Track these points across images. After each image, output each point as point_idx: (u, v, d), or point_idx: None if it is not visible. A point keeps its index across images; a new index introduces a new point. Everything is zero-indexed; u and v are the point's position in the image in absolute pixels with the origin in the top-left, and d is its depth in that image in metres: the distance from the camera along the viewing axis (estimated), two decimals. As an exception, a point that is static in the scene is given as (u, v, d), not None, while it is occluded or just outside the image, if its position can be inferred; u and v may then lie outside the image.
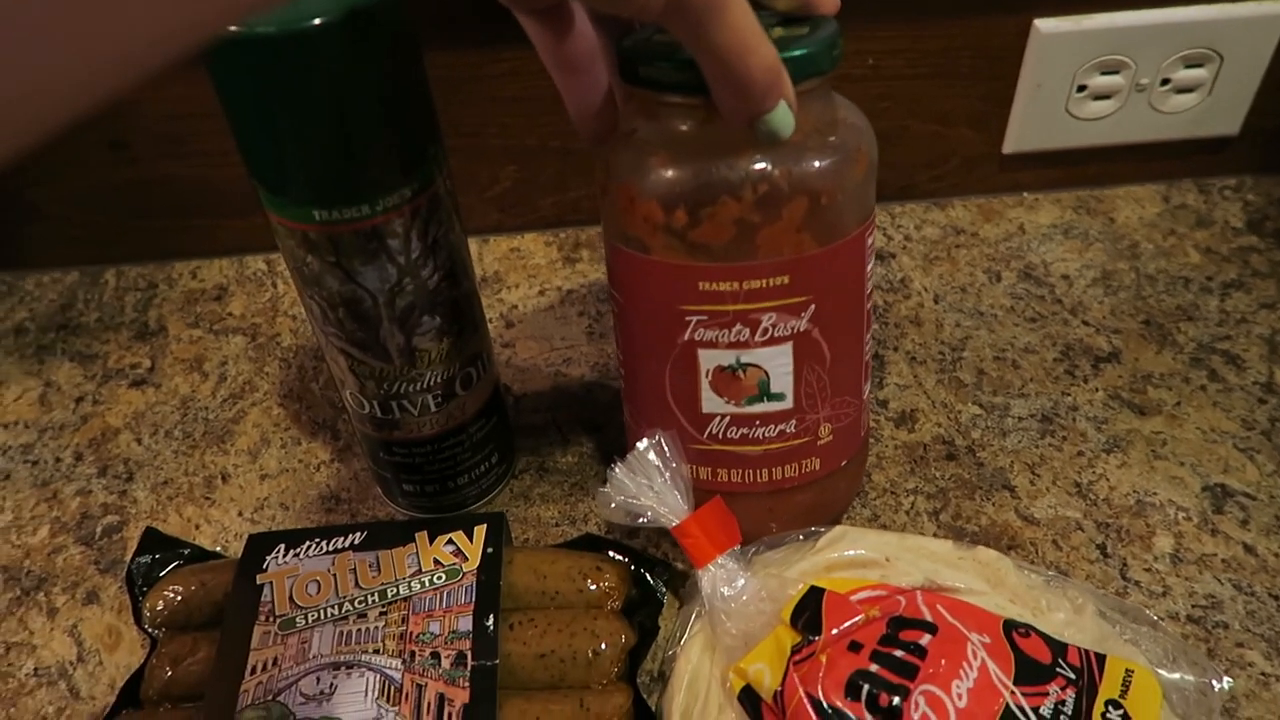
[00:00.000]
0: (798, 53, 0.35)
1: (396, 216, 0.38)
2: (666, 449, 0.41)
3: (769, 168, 0.37)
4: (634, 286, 0.42)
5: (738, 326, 0.41)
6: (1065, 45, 0.59)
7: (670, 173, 0.38)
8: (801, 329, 0.41)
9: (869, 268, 0.42)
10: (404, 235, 0.39)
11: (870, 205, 0.41)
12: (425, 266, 0.40)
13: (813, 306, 0.40)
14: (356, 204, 0.37)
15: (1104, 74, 0.61)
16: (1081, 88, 0.61)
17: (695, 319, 0.41)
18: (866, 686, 0.36)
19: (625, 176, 0.39)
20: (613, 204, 0.40)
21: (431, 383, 0.44)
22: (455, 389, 0.45)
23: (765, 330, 0.41)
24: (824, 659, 0.37)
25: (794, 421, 0.44)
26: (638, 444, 0.41)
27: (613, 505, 0.41)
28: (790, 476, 0.45)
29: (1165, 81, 0.61)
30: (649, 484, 0.41)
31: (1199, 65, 0.61)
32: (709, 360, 0.42)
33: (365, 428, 0.46)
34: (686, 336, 0.41)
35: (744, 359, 0.42)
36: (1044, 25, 0.59)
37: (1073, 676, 0.38)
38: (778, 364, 0.42)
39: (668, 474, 0.41)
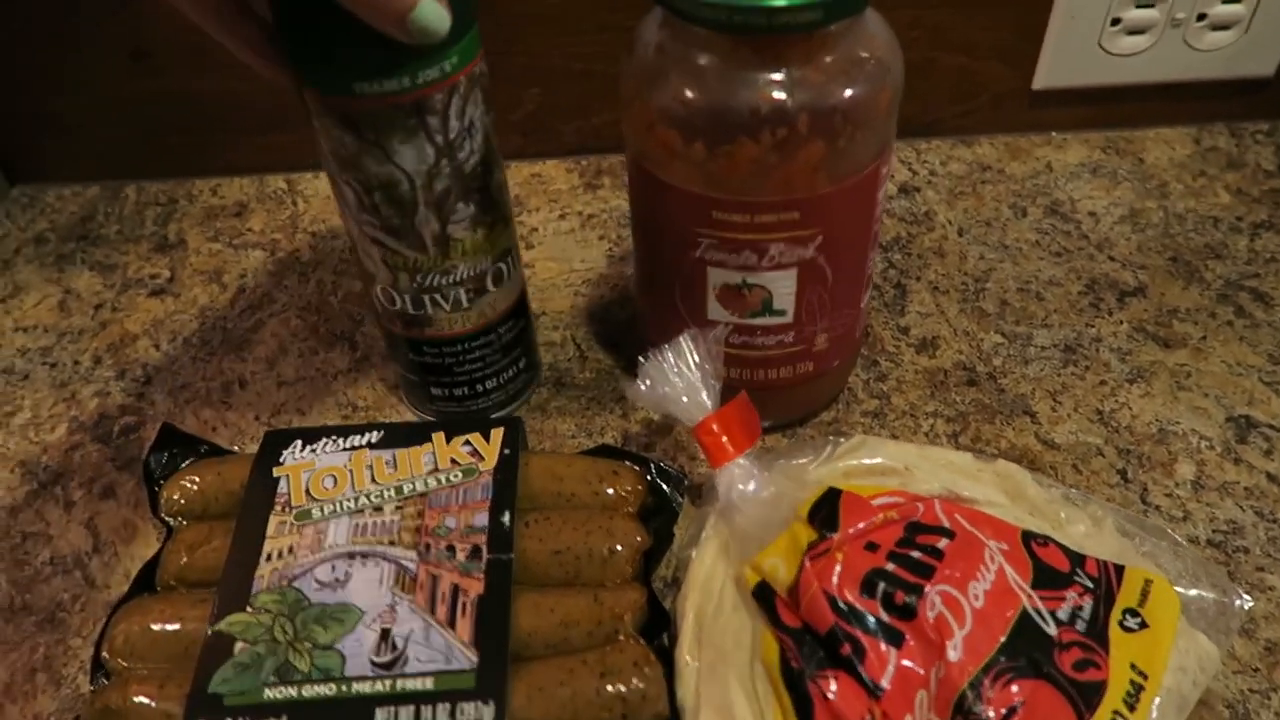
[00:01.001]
0: None
1: (436, 91, 0.38)
2: (701, 347, 0.41)
3: (789, 110, 0.36)
4: (650, 201, 0.42)
5: (746, 252, 0.41)
6: (1102, -25, 0.58)
7: (691, 106, 0.37)
8: (808, 257, 0.41)
9: (881, 196, 0.42)
10: (442, 113, 0.38)
11: (889, 139, 0.40)
12: (462, 149, 0.40)
13: (820, 238, 0.40)
14: (397, 76, 0.37)
15: (1139, 7, 0.60)
16: (1115, 21, 0.60)
17: (706, 241, 0.41)
18: (882, 584, 0.36)
19: (648, 98, 0.39)
20: (634, 121, 0.40)
21: (464, 276, 0.43)
22: (486, 284, 0.44)
23: (772, 257, 0.41)
24: (840, 556, 0.37)
25: (793, 333, 0.44)
26: (679, 337, 0.41)
27: (642, 389, 0.41)
28: (784, 377, 0.46)
29: (1202, 17, 0.60)
30: (678, 376, 0.41)
31: (1237, 1, 0.59)
32: (717, 277, 0.42)
33: (395, 326, 0.46)
34: (697, 255, 0.41)
35: (750, 280, 0.42)
36: (1081, -47, 0.58)
37: (1090, 585, 0.38)
38: (781, 286, 0.42)
39: (698, 371, 0.41)
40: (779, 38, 0.35)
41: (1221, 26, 0.61)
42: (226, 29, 0.38)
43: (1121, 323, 0.54)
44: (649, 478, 0.44)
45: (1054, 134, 0.67)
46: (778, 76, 0.36)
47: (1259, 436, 0.48)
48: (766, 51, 0.36)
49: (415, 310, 0.44)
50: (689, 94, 0.37)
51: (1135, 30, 0.61)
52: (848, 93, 0.37)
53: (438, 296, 0.44)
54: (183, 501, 0.43)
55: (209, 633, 0.38)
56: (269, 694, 0.36)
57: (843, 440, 0.44)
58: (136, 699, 0.37)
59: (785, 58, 0.36)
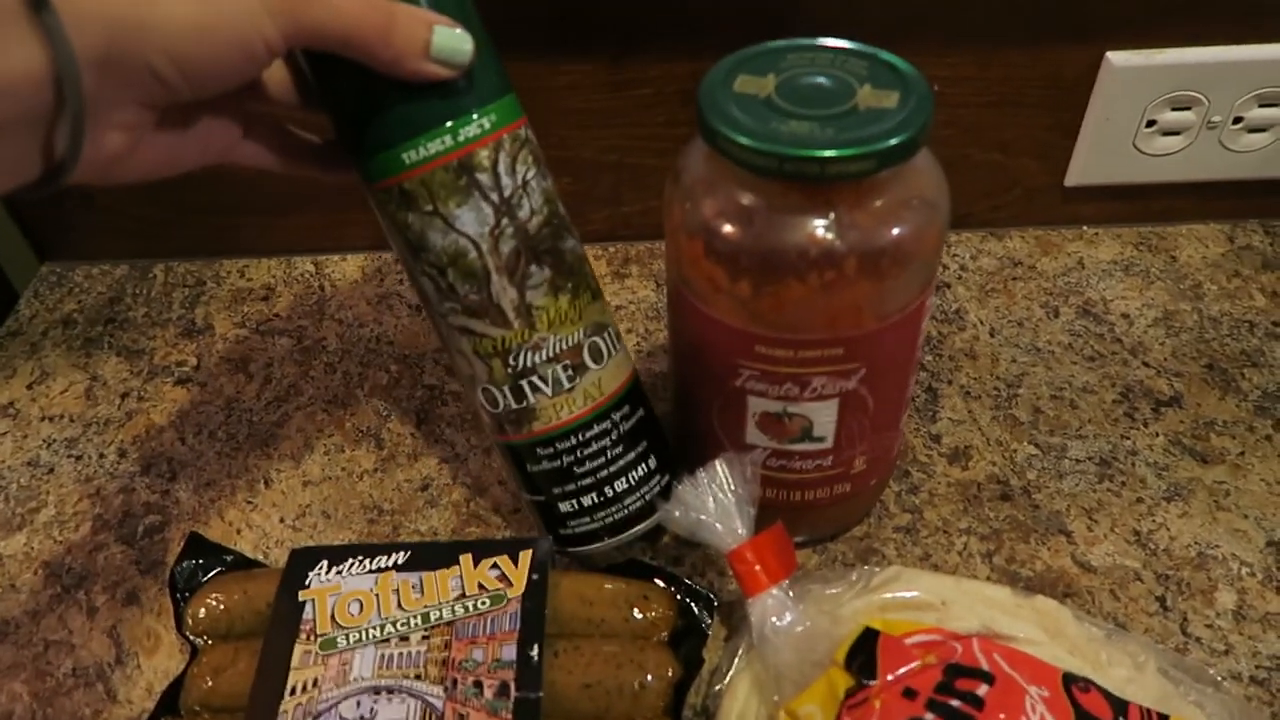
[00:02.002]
0: (889, 144, 0.34)
1: (480, 147, 0.38)
2: (737, 472, 0.41)
3: (837, 253, 0.36)
4: (690, 329, 0.42)
5: (788, 384, 0.40)
6: (1137, 79, 0.58)
7: (738, 245, 0.37)
8: (850, 388, 0.40)
9: (924, 324, 0.41)
10: (491, 169, 0.39)
11: (934, 272, 0.40)
12: (521, 207, 0.40)
13: (864, 370, 0.40)
14: (439, 135, 0.38)
15: (1175, 110, 0.59)
16: (1151, 123, 0.60)
17: (747, 372, 0.40)
18: (922, 738, 0.35)
19: (695, 231, 0.38)
20: (679, 249, 0.40)
21: (557, 350, 0.42)
22: (585, 360, 0.43)
23: (814, 389, 0.40)
24: (878, 705, 0.36)
25: (831, 458, 0.44)
26: (714, 460, 0.41)
27: (675, 515, 0.41)
28: (821, 497, 0.45)
29: (1238, 120, 0.60)
30: (713, 502, 0.40)
31: (1274, 105, 0.59)
32: (757, 405, 0.42)
33: (505, 435, 0.44)
34: (738, 384, 0.41)
35: (790, 409, 0.41)
36: (1116, 58, 0.57)
37: (1134, 737, 0.37)
38: (823, 415, 0.42)
39: (732, 496, 0.40)
40: (829, 184, 0.35)
41: (1258, 129, 0.60)
42: (295, 166, 0.41)
43: (1158, 435, 0.53)
44: (679, 599, 0.44)
45: (1085, 228, 0.66)
46: (826, 220, 0.36)
47: (1301, 563, 0.47)
48: (816, 196, 0.35)
49: (517, 403, 0.43)
50: (735, 233, 0.37)
51: (1171, 131, 0.60)
52: (895, 234, 0.36)
53: (536, 379, 0.42)
54: (208, 620, 0.43)
55: (233, 771, 0.37)
56: (293, 839, 0.35)
57: (876, 569, 0.43)
58: (158, 839, 0.36)
59: (835, 202, 0.35)
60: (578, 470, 0.44)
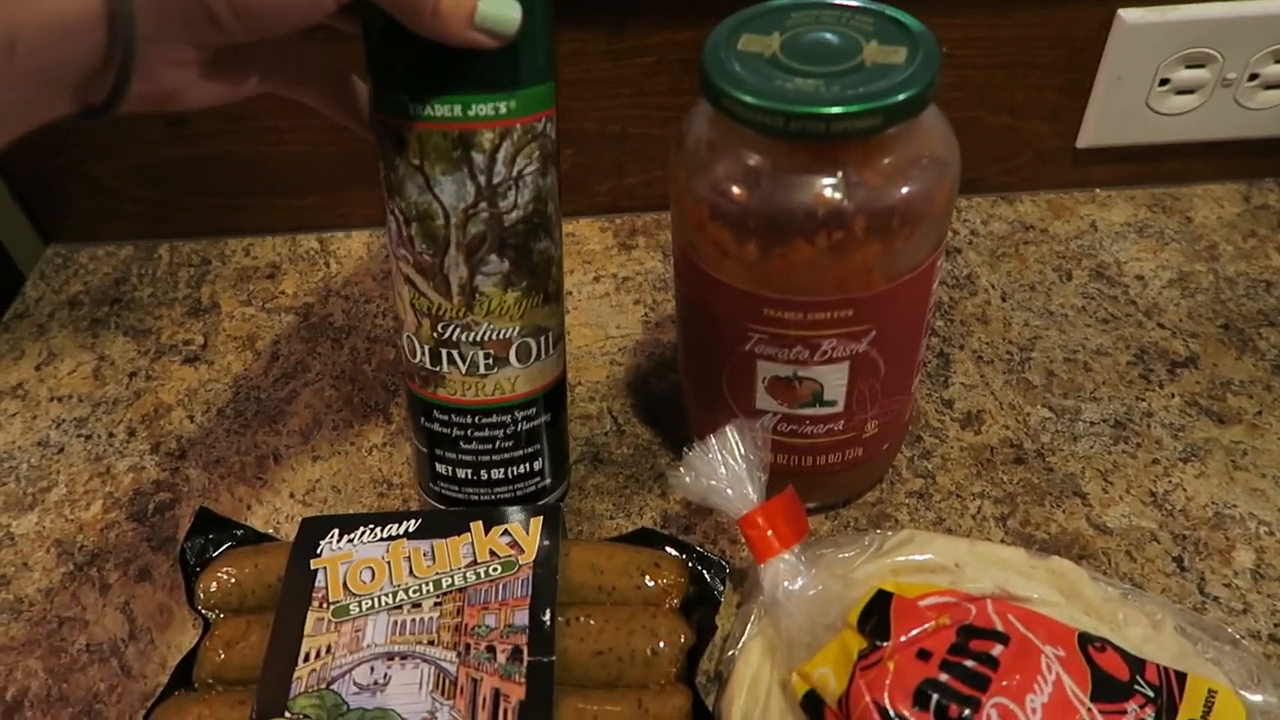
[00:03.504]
0: (896, 99, 0.33)
1: (487, 129, 0.38)
2: (748, 438, 0.40)
3: (845, 213, 0.35)
4: (699, 295, 0.41)
5: (798, 348, 0.40)
6: (1150, 36, 0.57)
7: (744, 207, 0.37)
8: (860, 350, 0.40)
9: (935, 285, 0.41)
10: (490, 153, 0.38)
11: (945, 232, 0.39)
12: (505, 198, 0.39)
13: (874, 333, 0.39)
14: (450, 102, 0.37)
15: (1189, 67, 0.58)
16: (1164, 81, 0.59)
17: (756, 336, 0.40)
18: (935, 696, 0.35)
19: (700, 195, 0.38)
20: (684, 215, 0.39)
21: (486, 336, 0.42)
22: (510, 356, 0.43)
23: (825, 352, 0.40)
24: (891, 666, 0.36)
25: (843, 422, 0.43)
26: (725, 427, 0.40)
27: (686, 480, 0.40)
28: (832, 463, 0.45)
29: (1253, 77, 0.59)
30: (724, 468, 0.40)
31: (1289, 60, 0.58)
32: (766, 370, 0.41)
33: (413, 383, 0.45)
34: (747, 348, 0.41)
35: (800, 373, 0.41)
36: (1128, 15, 0.56)
37: (1151, 695, 0.36)
38: (833, 378, 0.41)
39: (743, 462, 0.40)
40: (836, 143, 0.34)
41: (1274, 85, 0.59)
42: (344, 115, 0.41)
43: (1173, 396, 0.52)
44: (690, 566, 0.44)
45: (1098, 191, 0.65)
46: (834, 180, 0.35)
47: (1320, 521, 0.46)
48: (823, 155, 0.35)
49: (432, 365, 0.43)
50: (741, 195, 0.36)
51: (1184, 90, 0.59)
52: (904, 192, 0.36)
53: (455, 353, 0.43)
54: (219, 594, 0.43)
55: (247, 740, 0.37)
56: (308, 807, 0.35)
57: (890, 533, 0.43)
58: (174, 808, 0.36)
59: (842, 161, 0.35)
60: (463, 445, 0.45)
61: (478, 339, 0.42)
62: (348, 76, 0.40)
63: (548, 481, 0.47)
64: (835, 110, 0.33)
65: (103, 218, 0.67)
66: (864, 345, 0.39)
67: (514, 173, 0.39)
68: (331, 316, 0.61)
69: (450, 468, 0.46)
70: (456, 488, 0.47)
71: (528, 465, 0.46)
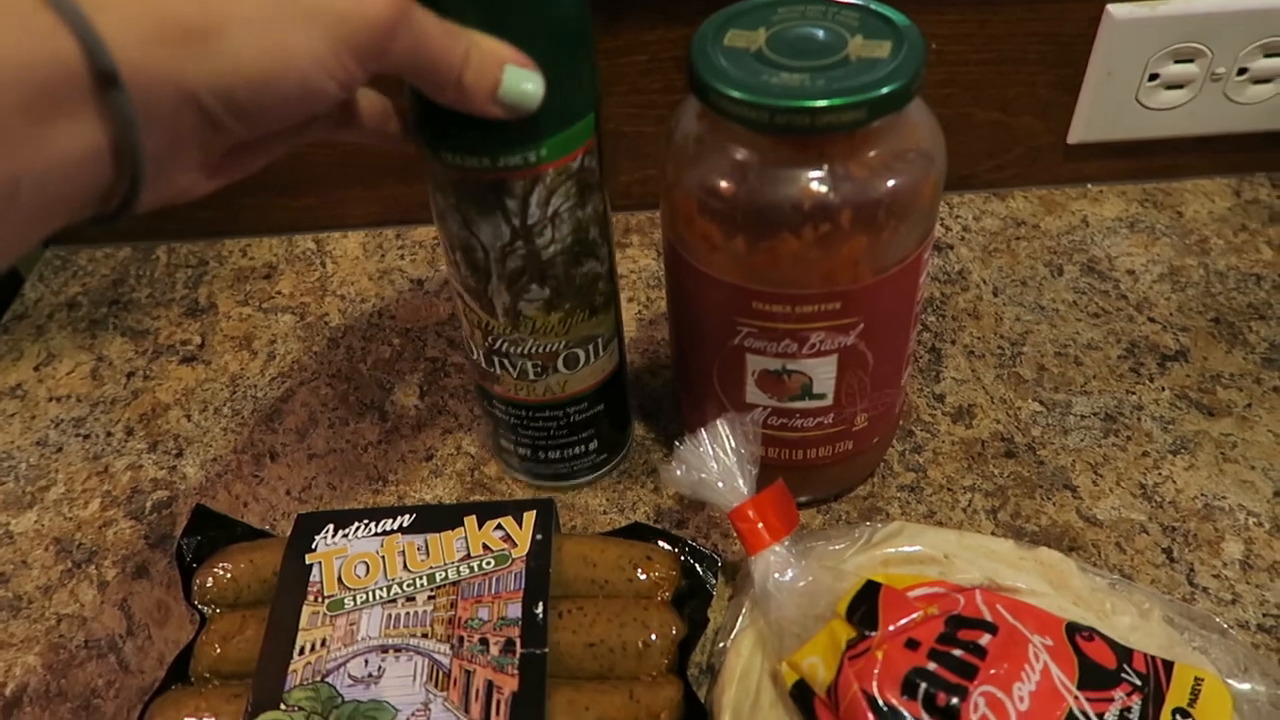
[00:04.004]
0: (880, 93, 0.34)
1: (517, 178, 0.38)
2: (738, 433, 0.41)
3: (832, 206, 0.36)
4: (687, 289, 0.42)
5: (786, 341, 0.40)
6: (1139, 31, 0.57)
7: (732, 201, 0.37)
8: (849, 343, 0.40)
9: (923, 278, 0.41)
10: (522, 198, 0.38)
11: (932, 225, 0.40)
12: (541, 235, 0.40)
13: (862, 325, 0.40)
14: (478, 155, 0.37)
15: (1178, 62, 0.59)
16: (1154, 76, 0.59)
17: (745, 330, 0.40)
18: (924, 685, 0.35)
19: (689, 189, 0.38)
20: (674, 210, 0.40)
21: (532, 351, 0.44)
22: (558, 365, 0.44)
23: (813, 345, 0.40)
24: (880, 655, 0.36)
25: (832, 415, 0.43)
26: (716, 421, 0.41)
27: (677, 474, 0.41)
28: (823, 456, 0.45)
29: (1242, 71, 0.59)
30: (715, 461, 0.40)
31: (1278, 54, 0.58)
32: (756, 364, 0.42)
33: (474, 373, 0.48)
34: (736, 342, 0.41)
35: (790, 366, 0.41)
36: (1117, 10, 0.57)
37: (1138, 683, 0.37)
38: (822, 372, 0.41)
39: (734, 456, 0.40)
40: (821, 136, 0.35)
41: (1263, 80, 0.59)
42: (388, 140, 0.39)
43: (1163, 389, 0.53)
44: (683, 560, 0.44)
45: (1089, 186, 0.66)
46: (820, 173, 0.35)
47: (1309, 512, 0.47)
48: (809, 149, 0.35)
49: (486, 366, 0.45)
50: (729, 189, 0.37)
51: (1174, 85, 0.60)
52: (890, 185, 0.36)
53: (505, 361, 0.44)
54: (215, 589, 0.43)
55: (243, 731, 0.37)
56: (303, 798, 0.36)
57: (879, 525, 0.43)
58: (171, 800, 0.37)
59: (828, 154, 0.35)
60: (520, 431, 0.48)
61: (525, 352, 0.44)
62: (387, 113, 0.39)
63: (603, 456, 0.50)
64: (820, 104, 0.33)
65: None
66: (852, 338, 0.40)
67: (549, 213, 0.40)
68: (328, 316, 0.61)
69: (512, 444, 0.49)
70: (518, 460, 0.50)
71: (582, 447, 0.49)
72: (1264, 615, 0.43)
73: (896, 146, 0.36)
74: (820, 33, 0.37)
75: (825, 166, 0.36)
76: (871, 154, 0.36)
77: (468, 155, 0.37)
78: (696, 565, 0.44)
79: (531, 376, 0.45)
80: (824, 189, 0.36)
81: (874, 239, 0.37)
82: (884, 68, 0.35)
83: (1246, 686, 0.39)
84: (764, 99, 0.34)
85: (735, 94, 0.34)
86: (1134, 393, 0.53)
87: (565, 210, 0.40)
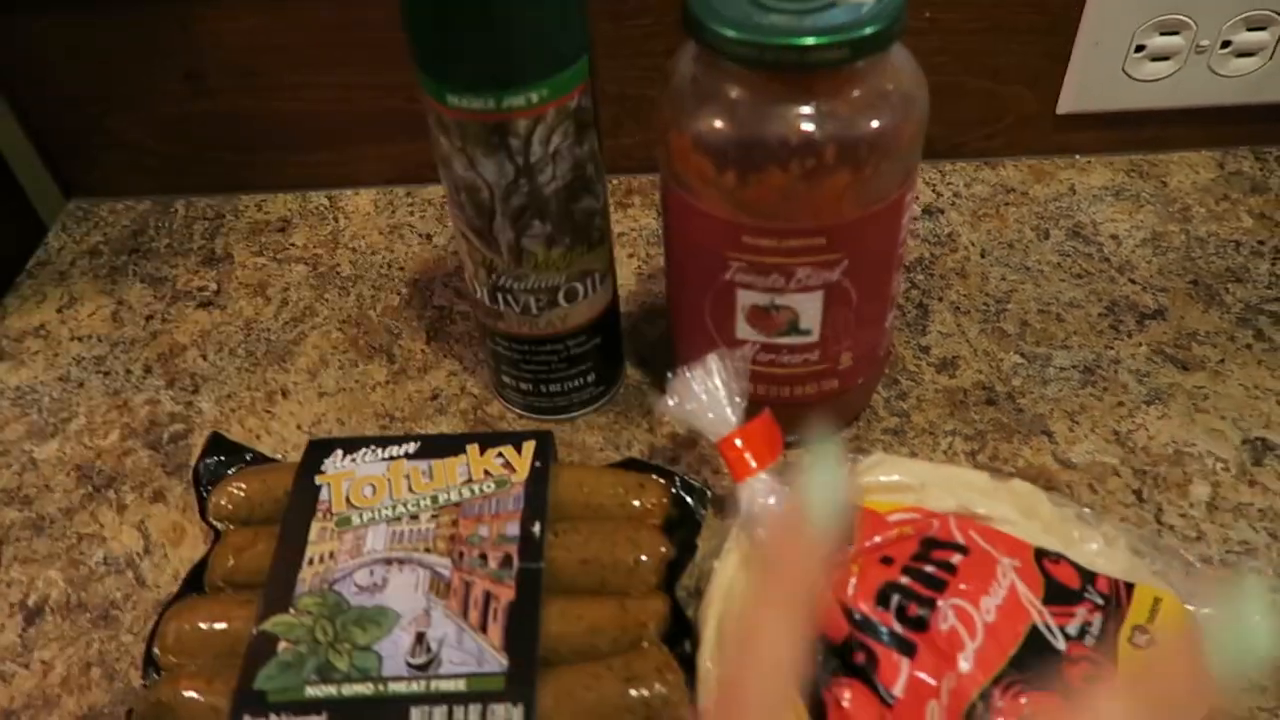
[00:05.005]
0: (864, 33, 0.36)
1: (520, 117, 0.40)
2: (728, 367, 0.43)
3: (817, 141, 0.38)
4: (682, 224, 0.44)
5: (774, 275, 0.42)
6: (1126, 3, 0.59)
7: (724, 136, 0.39)
8: (833, 279, 0.42)
9: (905, 220, 0.43)
10: (525, 137, 0.41)
11: (914, 168, 0.42)
12: (542, 173, 0.42)
13: (846, 262, 0.42)
14: (483, 96, 0.39)
15: (1164, 34, 0.61)
16: (1140, 48, 0.61)
17: (736, 264, 0.42)
18: (896, 597, 0.38)
19: (683, 126, 0.40)
20: (669, 147, 0.42)
21: (535, 285, 0.46)
22: (559, 299, 0.47)
23: (799, 280, 0.42)
24: (855, 569, 0.39)
25: (818, 352, 0.45)
26: (707, 355, 0.43)
27: (670, 404, 0.43)
28: (810, 393, 0.47)
29: (1226, 44, 0.61)
30: (705, 393, 0.42)
31: (1262, 28, 0.60)
32: (746, 298, 0.44)
33: (478, 312, 0.50)
34: (727, 277, 0.43)
35: (777, 301, 0.43)
36: (1104, -18, 0.59)
37: (1101, 602, 0.39)
38: (808, 307, 0.43)
39: (724, 389, 0.42)
40: (808, 73, 0.37)
41: (1246, 53, 0.61)
42: None
43: (1141, 345, 0.55)
44: (674, 490, 0.46)
45: (1078, 157, 0.68)
46: (807, 110, 0.37)
47: (1275, 459, 0.49)
48: (796, 86, 0.37)
49: (490, 304, 0.48)
50: (722, 125, 0.39)
51: (1159, 57, 0.62)
52: (873, 124, 0.38)
53: (509, 298, 0.47)
54: (230, 507, 0.46)
55: (254, 632, 0.40)
56: (310, 692, 0.38)
57: (862, 458, 0.45)
58: (186, 693, 0.39)
59: (814, 92, 0.37)
60: (522, 365, 0.50)
61: (528, 287, 0.46)
62: None
63: (600, 389, 0.53)
64: (809, 41, 0.36)
65: (122, 173, 0.70)
66: (836, 274, 0.42)
67: (550, 151, 0.42)
68: (339, 266, 0.64)
69: (514, 380, 0.51)
70: (520, 396, 0.52)
71: (581, 379, 0.51)
72: (1227, 552, 0.45)
73: (880, 87, 0.39)
74: None
75: (812, 104, 0.38)
76: (856, 93, 0.38)
77: (473, 97, 0.40)
78: (686, 496, 0.46)
79: (534, 311, 0.47)
80: (810, 125, 0.38)
81: (857, 175, 0.39)
82: (869, 10, 0.37)
83: (1206, 612, 0.41)
84: (756, 37, 0.36)
85: (729, 32, 0.36)
86: (1112, 348, 0.55)
87: (565, 148, 0.42)
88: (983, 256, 0.61)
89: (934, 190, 0.66)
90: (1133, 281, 0.59)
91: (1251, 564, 0.45)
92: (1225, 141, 0.67)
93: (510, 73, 0.39)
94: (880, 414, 0.52)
